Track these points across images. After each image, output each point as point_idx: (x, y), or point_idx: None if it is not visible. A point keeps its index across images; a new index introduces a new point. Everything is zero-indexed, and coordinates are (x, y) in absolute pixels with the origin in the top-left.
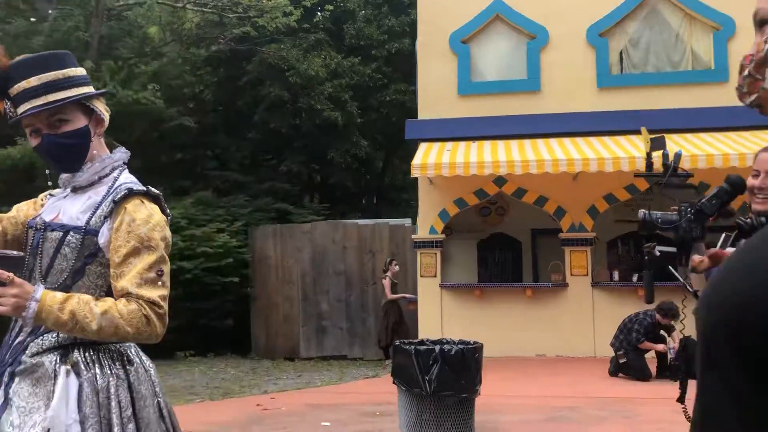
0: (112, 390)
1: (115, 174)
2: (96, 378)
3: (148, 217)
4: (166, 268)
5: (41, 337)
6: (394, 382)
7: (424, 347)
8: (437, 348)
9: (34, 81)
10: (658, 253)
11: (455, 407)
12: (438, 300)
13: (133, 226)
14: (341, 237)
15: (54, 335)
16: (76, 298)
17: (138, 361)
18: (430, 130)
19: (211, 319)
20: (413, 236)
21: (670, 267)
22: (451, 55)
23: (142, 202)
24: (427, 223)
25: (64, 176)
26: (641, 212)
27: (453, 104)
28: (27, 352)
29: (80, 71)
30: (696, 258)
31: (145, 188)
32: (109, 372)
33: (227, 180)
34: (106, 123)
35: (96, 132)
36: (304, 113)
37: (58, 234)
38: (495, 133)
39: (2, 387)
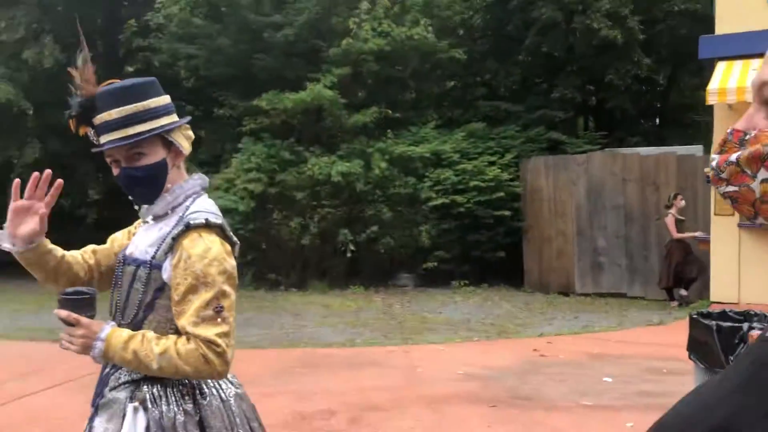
0: (179, 428)
1: (187, 203)
2: (162, 415)
3: (204, 252)
4: (227, 302)
5: (118, 371)
6: (690, 358)
7: (728, 324)
8: (745, 326)
9: (114, 114)
10: None
11: None
12: (735, 242)
13: (188, 263)
14: (620, 168)
15: (127, 370)
16: (139, 337)
17: (214, 393)
18: (730, 46)
19: (484, 251)
20: (706, 169)
21: None
22: None
23: (200, 235)
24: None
25: (143, 207)
26: None
27: (761, 13)
28: (108, 385)
29: (163, 101)
30: None
31: (204, 220)
32: (176, 408)
33: (497, 109)
34: (186, 152)
35: (174, 164)
36: (578, 34)
37: (131, 268)
38: None
39: (91, 419)
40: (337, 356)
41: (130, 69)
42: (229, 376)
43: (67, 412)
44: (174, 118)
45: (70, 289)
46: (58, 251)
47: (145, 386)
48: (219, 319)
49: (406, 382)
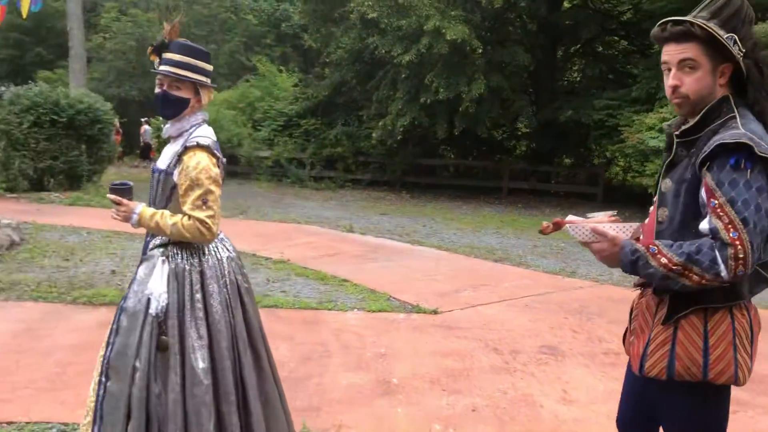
0: (187, 274)
1: (191, 130)
2: (177, 266)
3: (196, 164)
4: (212, 196)
5: (154, 239)
6: None
7: None
8: None
9: (176, 57)
10: None
11: None
12: None
13: (187, 171)
14: None
15: (160, 238)
16: (160, 213)
17: (213, 254)
18: None
19: None
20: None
21: None
22: None
23: (194, 153)
24: None
25: (165, 128)
26: None
27: None
28: (149, 246)
29: (207, 67)
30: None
31: (196, 143)
32: (186, 262)
33: None
34: (204, 102)
35: (193, 105)
36: None
37: (157, 175)
38: None
39: (137, 269)
40: None
41: (567, 5)
42: (228, 246)
43: (514, 326)
44: (207, 81)
45: (117, 181)
46: None
47: (169, 247)
48: (205, 207)
49: None
